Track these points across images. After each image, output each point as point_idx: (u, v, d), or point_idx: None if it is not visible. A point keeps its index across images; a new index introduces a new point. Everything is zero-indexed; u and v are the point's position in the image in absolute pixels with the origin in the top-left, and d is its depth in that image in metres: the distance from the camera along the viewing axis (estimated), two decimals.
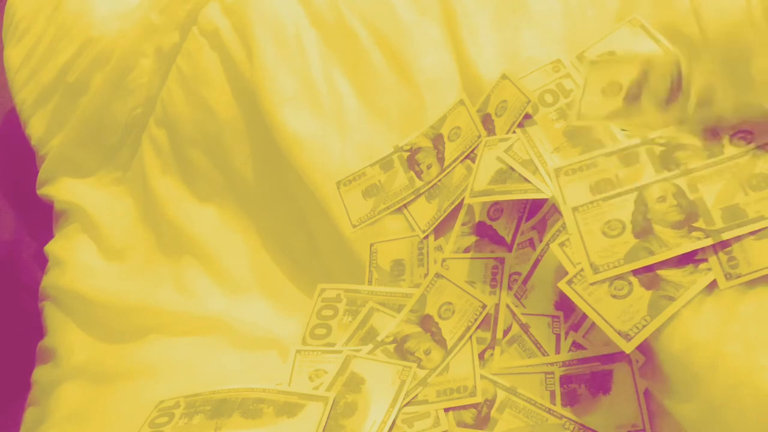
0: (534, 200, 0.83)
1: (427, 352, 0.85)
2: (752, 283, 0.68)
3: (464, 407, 0.79)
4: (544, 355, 0.80)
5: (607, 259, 0.73)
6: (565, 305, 0.79)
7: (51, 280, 1.07)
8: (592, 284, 0.72)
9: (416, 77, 0.98)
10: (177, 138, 1.07)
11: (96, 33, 1.10)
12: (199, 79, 1.05)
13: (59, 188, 1.14)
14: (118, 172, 1.14)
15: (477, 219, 0.89)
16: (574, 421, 0.76)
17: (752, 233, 0.70)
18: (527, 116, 0.87)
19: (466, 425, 0.78)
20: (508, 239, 0.86)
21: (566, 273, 0.75)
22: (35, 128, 1.15)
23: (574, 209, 0.77)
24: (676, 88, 0.78)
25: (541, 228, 0.82)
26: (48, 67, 1.13)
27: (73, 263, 1.07)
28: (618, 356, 0.76)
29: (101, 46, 1.09)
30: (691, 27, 0.87)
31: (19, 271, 1.17)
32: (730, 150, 0.76)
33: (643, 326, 0.69)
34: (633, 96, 0.81)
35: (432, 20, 1.00)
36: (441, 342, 0.85)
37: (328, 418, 0.78)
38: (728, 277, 0.69)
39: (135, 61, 1.08)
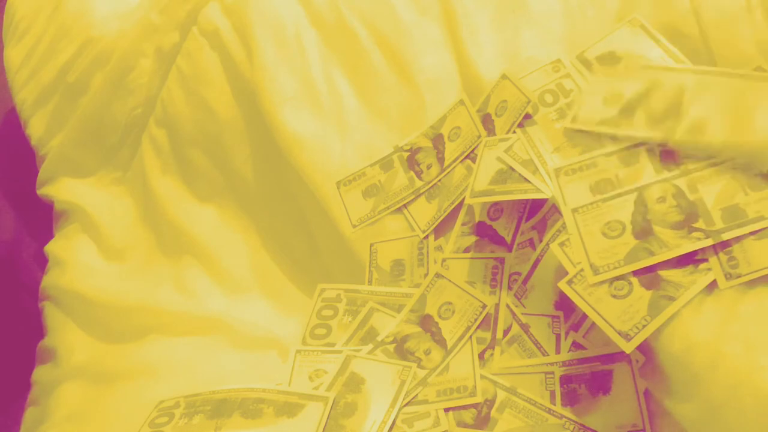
0: (534, 200, 0.83)
1: (427, 352, 0.85)
2: (752, 283, 0.68)
3: (464, 407, 0.79)
4: (544, 355, 0.80)
5: (607, 260, 0.73)
6: (565, 305, 0.79)
7: (51, 280, 1.07)
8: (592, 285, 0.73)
9: (416, 77, 0.98)
10: (177, 138, 1.07)
11: (96, 33, 1.10)
12: (199, 79, 1.05)
13: (59, 188, 1.14)
14: (118, 172, 1.14)
15: (477, 219, 0.89)
16: (574, 421, 0.76)
17: (752, 233, 0.70)
18: (527, 116, 0.87)
19: (466, 425, 0.78)
20: (508, 239, 0.86)
21: (566, 273, 0.75)
22: (35, 128, 1.15)
23: (574, 210, 0.77)
24: (672, 110, 0.78)
25: (541, 228, 0.82)
26: (48, 67, 1.13)
27: (73, 263, 1.07)
28: (618, 356, 0.76)
29: (101, 46, 1.09)
30: (691, 27, 0.87)
31: (19, 271, 1.17)
32: None
33: (643, 326, 0.69)
34: (630, 109, 0.81)
35: (432, 20, 1.00)
36: (441, 342, 0.85)
37: (328, 418, 0.78)
38: (728, 277, 0.69)
39: (135, 61, 1.08)
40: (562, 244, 0.76)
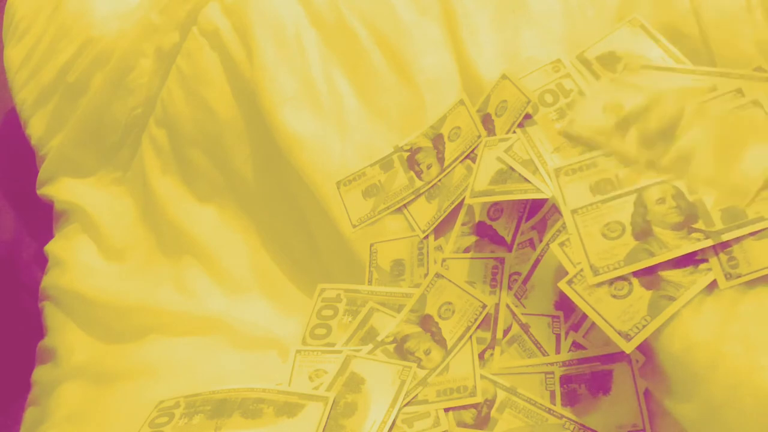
0: (534, 200, 0.83)
1: (427, 352, 0.85)
2: (752, 283, 0.68)
3: (464, 407, 0.79)
4: (544, 355, 0.80)
5: (607, 261, 0.73)
6: (565, 305, 0.79)
7: (51, 280, 1.07)
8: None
9: (416, 77, 0.98)
10: (177, 138, 1.07)
11: (96, 33, 1.10)
12: (199, 79, 1.05)
13: (59, 188, 1.14)
14: (118, 172, 1.14)
15: (477, 219, 0.89)
16: (574, 421, 0.76)
17: (752, 234, 0.70)
18: (527, 116, 0.87)
19: (466, 425, 0.78)
20: (508, 239, 0.86)
21: (566, 273, 0.75)
22: (35, 128, 1.15)
23: (573, 212, 0.77)
24: (667, 133, 0.78)
25: (541, 228, 0.82)
26: (48, 67, 1.13)
27: (73, 263, 1.07)
28: (618, 356, 0.76)
29: (101, 46, 1.09)
30: (691, 27, 0.87)
31: (19, 271, 1.17)
32: None
33: (643, 326, 0.69)
34: (626, 124, 0.80)
35: (432, 20, 1.00)
36: (441, 342, 0.85)
37: (328, 418, 0.78)
38: (728, 277, 0.69)
39: (135, 61, 1.08)
40: (562, 244, 0.76)
